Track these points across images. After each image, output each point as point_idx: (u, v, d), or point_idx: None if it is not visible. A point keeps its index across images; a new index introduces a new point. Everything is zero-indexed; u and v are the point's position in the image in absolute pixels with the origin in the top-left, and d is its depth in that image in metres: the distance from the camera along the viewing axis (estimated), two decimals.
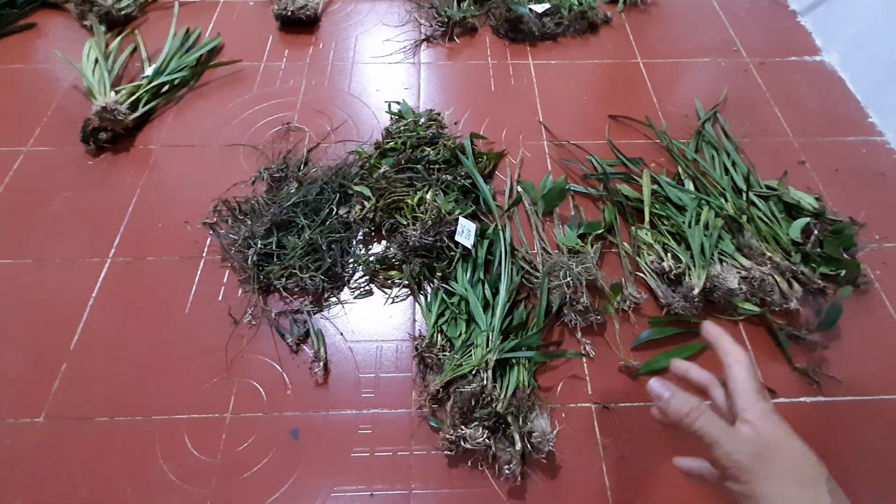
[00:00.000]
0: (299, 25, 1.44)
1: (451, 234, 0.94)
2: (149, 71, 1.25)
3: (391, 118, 1.21)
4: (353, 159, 1.12)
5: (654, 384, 0.41)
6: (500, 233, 0.97)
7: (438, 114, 1.17)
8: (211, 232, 0.99)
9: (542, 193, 1.04)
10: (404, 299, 0.95)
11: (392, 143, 1.09)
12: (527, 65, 1.37)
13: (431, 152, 1.07)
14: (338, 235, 0.97)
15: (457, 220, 0.95)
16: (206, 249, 1.00)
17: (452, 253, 0.94)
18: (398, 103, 1.24)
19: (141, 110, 1.18)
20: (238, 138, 1.19)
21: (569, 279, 0.86)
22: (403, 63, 1.37)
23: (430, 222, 0.93)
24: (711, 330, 0.44)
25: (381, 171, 1.00)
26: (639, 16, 1.51)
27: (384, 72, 1.35)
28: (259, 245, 0.93)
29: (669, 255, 0.94)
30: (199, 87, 1.30)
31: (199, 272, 0.97)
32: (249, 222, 0.97)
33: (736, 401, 0.37)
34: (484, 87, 1.32)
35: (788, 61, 1.39)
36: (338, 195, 1.03)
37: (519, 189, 1.08)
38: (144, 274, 0.97)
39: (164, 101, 1.25)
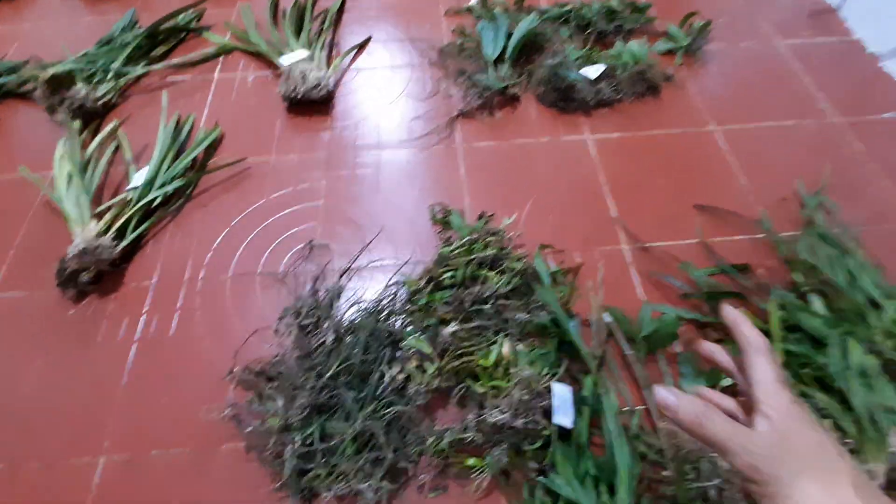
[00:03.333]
0: (311, 105, 1.22)
1: (546, 411, 0.73)
2: (137, 180, 1.03)
3: (439, 233, 1.00)
4: (396, 291, 0.91)
5: (660, 391, 0.39)
6: (605, 397, 0.76)
7: (497, 231, 0.95)
8: (232, 419, 0.77)
9: (643, 332, 0.83)
10: (488, 494, 0.74)
11: (449, 272, 0.88)
12: (584, 141, 1.17)
13: (495, 280, 0.86)
14: (395, 410, 0.75)
15: (548, 387, 0.74)
16: (226, 433, 0.78)
17: (545, 430, 0.73)
18: (445, 210, 1.02)
19: (130, 237, 0.97)
20: (251, 264, 0.97)
21: (715, 481, 0.65)
22: (438, 147, 1.16)
23: (517, 397, 0.72)
24: (730, 314, 0.41)
25: (451, 329, 0.79)
26: (700, 70, 1.31)
27: (417, 160, 1.14)
28: (297, 442, 0.71)
29: (826, 421, 0.73)
30: (197, 195, 1.08)
31: (219, 469, 0.75)
32: (281, 402, 0.75)
33: (754, 391, 0.35)
34: (538, 173, 1.12)
35: (885, 119, 1.20)
36: (387, 350, 0.81)
37: (608, 320, 0.87)
38: (148, 477, 0.75)
39: (156, 220, 1.03)
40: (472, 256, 0.89)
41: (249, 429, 0.74)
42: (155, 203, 1.02)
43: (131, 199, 1.00)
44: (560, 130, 1.19)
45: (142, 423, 0.79)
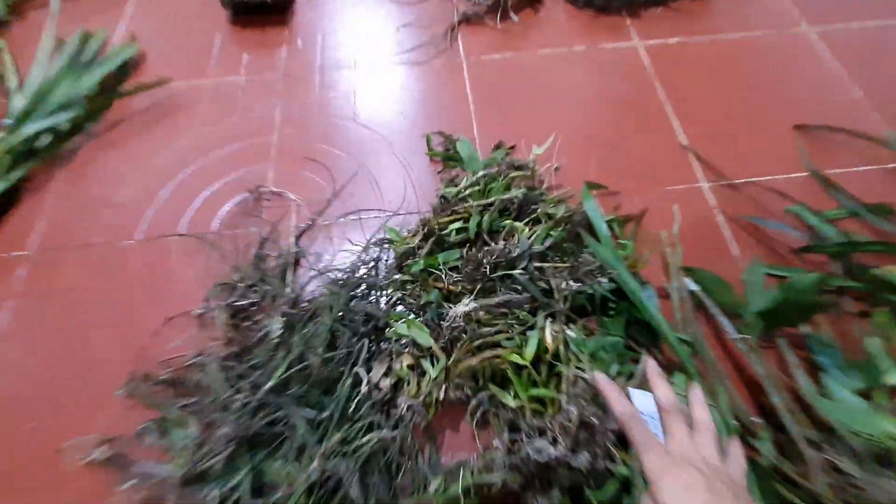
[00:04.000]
0: (263, 13, 0.91)
1: (622, 436, 0.44)
2: (13, 110, 0.73)
3: (439, 174, 0.70)
4: (380, 255, 0.62)
5: (601, 378, 0.43)
6: (712, 410, 0.47)
7: (524, 164, 0.65)
8: (109, 463, 0.49)
9: (756, 306, 0.54)
10: None
11: (457, 223, 0.58)
12: (633, 49, 0.86)
13: (526, 233, 0.57)
14: (376, 438, 0.47)
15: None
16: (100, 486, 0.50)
17: (622, 467, 0.45)
18: (449, 140, 0.73)
19: (0, 186, 0.67)
20: (171, 223, 0.68)
21: None
22: (436, 62, 0.86)
23: (575, 415, 0.44)
24: (650, 368, 0.44)
25: (463, 308, 0.50)
26: None
27: (407, 80, 0.84)
28: (214, 500, 0.43)
29: None
30: (103, 131, 0.78)
31: None
32: (194, 431, 0.47)
33: (668, 444, 0.38)
34: (572, 92, 0.81)
35: None
36: (364, 343, 0.53)
37: (693, 288, 0.58)
38: None
39: (42, 163, 0.73)
40: (491, 199, 0.59)
41: (131, 482, 0.45)
42: (39, 141, 0.73)
43: (2, 138, 0.70)
44: (600, 36, 0.88)
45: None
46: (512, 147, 0.72)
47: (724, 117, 0.77)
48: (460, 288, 0.54)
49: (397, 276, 0.59)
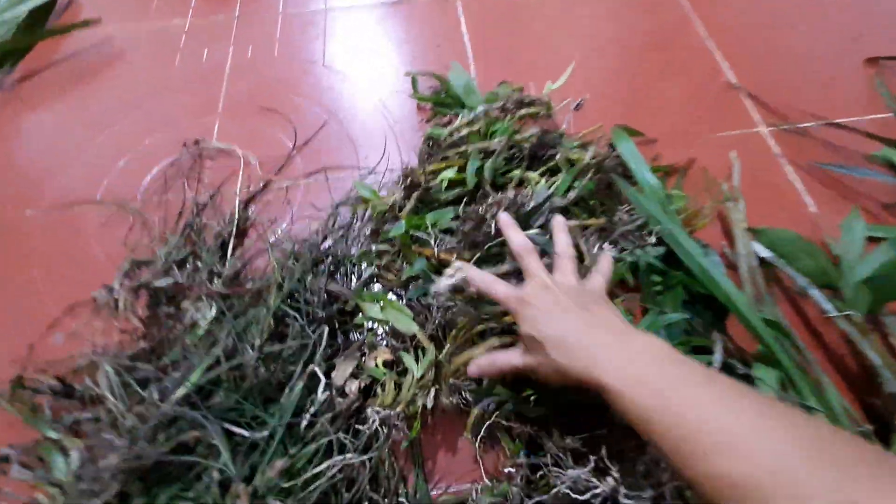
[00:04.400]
0: None
1: None
2: None
3: (427, 118, 0.56)
4: (352, 220, 0.47)
5: (503, 216, 0.39)
6: (829, 401, 0.33)
7: (535, 101, 0.51)
8: None
9: (859, 274, 0.39)
10: None
11: (446, 169, 0.44)
12: None
13: (542, 184, 0.43)
14: (338, 464, 0.32)
15: None
16: None
17: None
18: (440, 77, 0.58)
19: None
20: (88, 190, 0.53)
21: None
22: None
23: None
24: (502, 219, 0.39)
25: (453, 277, 0.35)
26: None
27: (389, 18, 0.69)
28: None
29: None
30: (17, 79, 0.63)
31: None
32: (76, 459, 0.33)
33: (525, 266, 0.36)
34: (588, 25, 0.67)
35: None
36: (325, 329, 0.38)
37: (764, 255, 0.44)
38: None
39: None
40: (495, 142, 0.45)
41: None
42: None
43: None
44: None
45: None
46: (519, 89, 0.58)
47: (779, 52, 0.62)
48: (455, 255, 0.39)
49: (373, 247, 0.45)
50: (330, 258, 0.44)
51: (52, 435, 0.35)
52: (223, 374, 0.35)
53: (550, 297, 0.32)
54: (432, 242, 0.41)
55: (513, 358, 0.33)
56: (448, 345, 0.36)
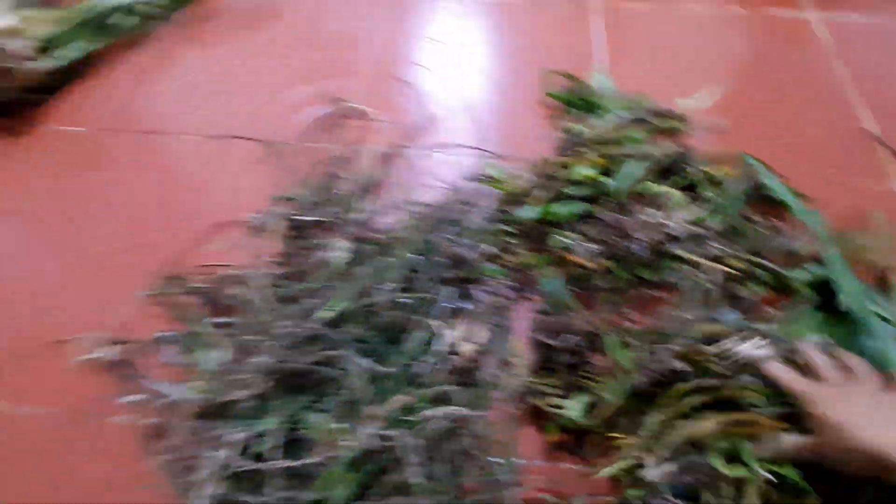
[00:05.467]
0: None
1: None
2: None
3: (552, 119, 0.58)
4: (475, 197, 0.50)
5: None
6: None
7: (674, 115, 0.52)
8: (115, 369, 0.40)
9: None
10: None
11: (582, 165, 0.46)
12: (805, 21, 0.70)
13: (683, 202, 0.44)
14: (451, 413, 0.35)
15: None
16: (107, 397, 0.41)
17: None
18: (573, 78, 0.60)
19: (65, 55, 0.61)
20: (243, 124, 0.59)
21: None
22: (557, 2, 0.74)
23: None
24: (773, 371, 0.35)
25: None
26: None
27: (520, 17, 0.72)
28: (236, 445, 0.32)
29: None
30: (188, 21, 0.70)
31: (71, 463, 0.38)
32: (220, 354, 0.37)
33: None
34: (726, 57, 0.67)
35: None
36: (448, 289, 0.41)
37: None
38: None
39: (120, 43, 0.66)
40: (636, 149, 0.46)
41: (136, 396, 0.36)
42: (112, 19, 0.66)
43: (79, 9, 0.64)
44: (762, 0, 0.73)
45: (7, 342, 0.44)
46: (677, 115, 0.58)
47: None
48: (593, 263, 0.41)
49: (497, 226, 0.47)
50: (456, 227, 0.47)
51: (202, 329, 0.40)
52: (357, 309, 0.38)
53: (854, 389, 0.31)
54: (564, 241, 0.43)
55: (798, 442, 0.31)
56: (661, 407, 0.36)
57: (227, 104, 0.61)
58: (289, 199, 0.49)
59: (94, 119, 0.60)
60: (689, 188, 0.46)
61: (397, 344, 0.38)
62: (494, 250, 0.46)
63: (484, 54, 0.67)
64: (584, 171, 0.45)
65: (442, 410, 0.34)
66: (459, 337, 0.39)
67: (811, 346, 0.36)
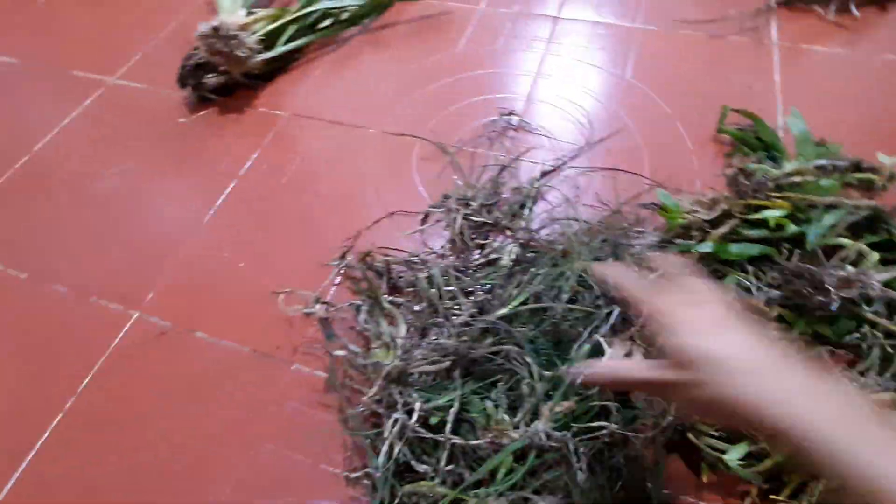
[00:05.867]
0: None
1: None
2: None
3: (727, 157, 0.57)
4: (639, 225, 0.51)
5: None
6: None
7: (871, 168, 0.49)
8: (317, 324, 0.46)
9: None
10: None
11: (770, 209, 0.44)
12: None
13: (874, 258, 0.41)
14: (607, 431, 0.36)
15: None
16: (302, 346, 0.47)
17: None
18: (753, 116, 0.58)
19: (279, 49, 0.71)
20: (417, 125, 0.65)
21: None
22: (738, 38, 0.72)
23: None
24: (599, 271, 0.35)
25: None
26: None
27: (697, 50, 0.71)
28: (413, 412, 0.36)
29: None
30: (376, 28, 0.79)
31: (273, 400, 0.44)
32: (402, 328, 0.41)
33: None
34: None
35: None
36: (612, 309, 0.42)
37: None
38: (177, 362, 0.47)
39: (316, 41, 0.76)
40: (827, 201, 0.44)
41: (339, 352, 0.41)
42: (322, 23, 0.75)
43: (293, 9, 0.74)
44: None
45: (200, 285, 0.52)
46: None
47: None
48: (775, 311, 0.40)
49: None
50: (613, 245, 0.48)
51: (385, 305, 0.44)
52: (528, 311, 0.41)
53: (707, 312, 0.26)
54: (743, 281, 0.42)
55: (642, 370, 0.27)
56: None
57: (403, 104, 0.68)
58: (461, 199, 0.53)
59: (293, 106, 0.69)
60: (884, 248, 0.43)
61: (565, 351, 0.40)
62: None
63: (658, 86, 0.67)
64: (773, 213, 0.43)
65: (605, 424, 0.36)
66: (617, 354, 0.40)
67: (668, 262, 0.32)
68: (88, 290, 0.53)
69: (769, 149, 0.55)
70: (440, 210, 0.52)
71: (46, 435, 0.44)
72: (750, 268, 0.44)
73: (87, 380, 0.47)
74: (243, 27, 0.67)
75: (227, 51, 0.64)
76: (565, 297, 0.41)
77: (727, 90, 0.65)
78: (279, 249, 0.54)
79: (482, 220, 0.50)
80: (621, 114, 0.64)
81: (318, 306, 0.44)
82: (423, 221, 0.53)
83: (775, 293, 0.41)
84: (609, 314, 0.41)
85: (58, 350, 0.49)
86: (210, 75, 0.67)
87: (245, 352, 0.47)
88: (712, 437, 0.38)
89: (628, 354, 0.41)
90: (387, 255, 0.49)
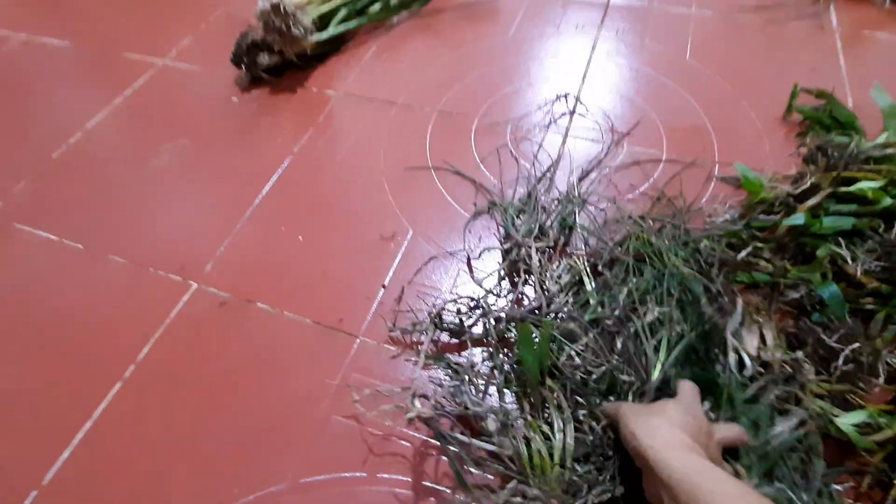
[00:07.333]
0: None
1: None
2: None
3: (797, 138, 0.55)
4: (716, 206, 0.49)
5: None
6: None
7: None
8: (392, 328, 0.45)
9: None
10: None
11: (867, 181, 0.42)
12: None
13: None
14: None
15: None
16: (365, 324, 0.46)
17: None
18: (826, 95, 0.56)
19: (332, 31, 0.70)
20: (469, 106, 0.64)
21: None
22: (797, 23, 0.70)
23: None
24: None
25: None
26: None
27: (755, 35, 0.70)
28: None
29: None
30: (427, 13, 0.79)
31: (344, 372, 0.43)
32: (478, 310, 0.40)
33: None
34: None
35: None
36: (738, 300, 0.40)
37: None
38: (237, 334, 0.46)
39: (369, 25, 0.76)
40: None
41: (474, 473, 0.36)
42: (373, 6, 0.75)
43: None
44: None
45: (258, 258, 0.51)
46: None
47: None
48: (874, 282, 0.38)
49: (741, 232, 0.45)
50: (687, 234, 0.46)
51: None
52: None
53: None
54: (840, 252, 0.40)
55: (626, 434, 0.33)
56: None
57: (453, 86, 0.67)
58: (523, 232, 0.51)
59: (345, 86, 0.68)
60: None
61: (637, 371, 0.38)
62: (743, 256, 0.44)
63: (721, 68, 0.65)
64: (870, 185, 0.41)
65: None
66: (753, 345, 0.38)
67: None
68: (146, 262, 0.52)
69: (844, 127, 0.53)
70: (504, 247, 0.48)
71: (106, 402, 0.43)
72: (842, 241, 0.42)
73: (147, 347, 0.46)
74: (298, 6, 0.67)
75: (283, 29, 0.64)
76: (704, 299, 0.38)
77: (790, 73, 0.63)
78: (337, 225, 0.53)
79: (544, 245, 0.47)
80: (687, 95, 0.62)
81: (416, 403, 0.38)
82: (503, 258, 0.49)
83: (874, 264, 0.39)
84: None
85: (116, 318, 0.48)
86: (264, 55, 0.67)
87: (307, 323, 0.46)
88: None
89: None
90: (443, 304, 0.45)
